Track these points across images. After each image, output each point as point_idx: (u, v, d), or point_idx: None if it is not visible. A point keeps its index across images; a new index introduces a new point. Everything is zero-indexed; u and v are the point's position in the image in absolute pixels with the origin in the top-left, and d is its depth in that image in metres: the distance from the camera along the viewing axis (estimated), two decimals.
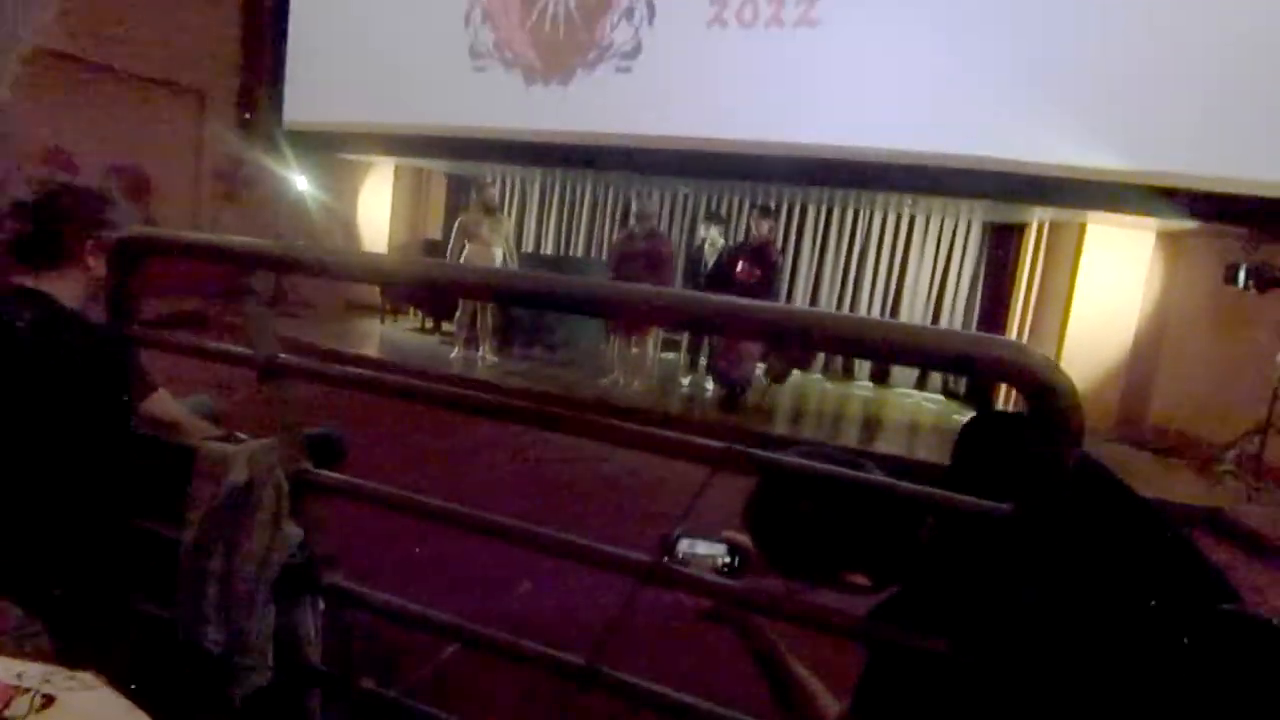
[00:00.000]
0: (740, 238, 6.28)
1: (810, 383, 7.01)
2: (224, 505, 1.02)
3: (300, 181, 7.64)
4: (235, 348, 1.17)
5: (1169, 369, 5.66)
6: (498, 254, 5.77)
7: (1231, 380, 5.02)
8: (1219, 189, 4.71)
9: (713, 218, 5.88)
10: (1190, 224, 5.10)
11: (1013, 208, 5.99)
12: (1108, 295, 5.79)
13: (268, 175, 7.66)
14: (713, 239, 5.62)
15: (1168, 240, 5.74)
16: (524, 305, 5.20)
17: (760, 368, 5.83)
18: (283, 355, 1.11)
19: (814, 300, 7.38)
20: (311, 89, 7.46)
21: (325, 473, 1.09)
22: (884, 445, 4.81)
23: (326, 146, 7.56)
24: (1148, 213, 5.00)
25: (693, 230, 7.79)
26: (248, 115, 7.89)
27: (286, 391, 1.12)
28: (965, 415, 6.07)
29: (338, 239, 7.98)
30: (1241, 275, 4.67)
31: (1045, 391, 0.78)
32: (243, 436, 1.37)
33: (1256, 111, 4.61)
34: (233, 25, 7.72)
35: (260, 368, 1.08)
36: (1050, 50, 5.01)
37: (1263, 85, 4.58)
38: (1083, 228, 5.85)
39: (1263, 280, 4.61)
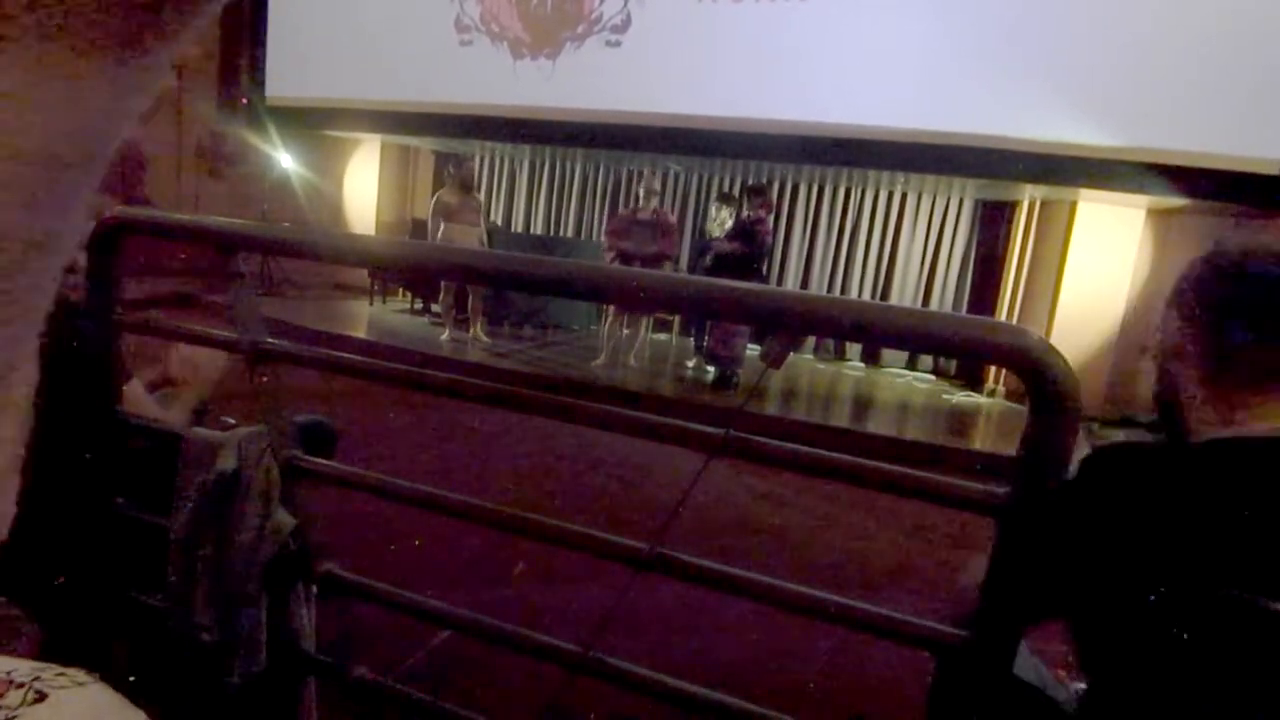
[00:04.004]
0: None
1: (802, 363, 7.03)
2: (213, 494, 1.00)
3: (285, 159, 7.51)
4: (221, 332, 1.15)
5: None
6: (476, 233, 5.69)
7: None
8: (1209, 165, 4.71)
9: (725, 198, 5.82)
10: (1180, 201, 5.11)
11: (1004, 186, 5.98)
12: (1097, 274, 5.80)
13: (251, 152, 7.52)
14: (723, 220, 5.55)
15: (1157, 218, 5.75)
16: (513, 288, 5.16)
17: (755, 350, 5.82)
18: (270, 340, 1.09)
19: (806, 279, 7.36)
20: (294, 63, 7.30)
21: (317, 460, 1.08)
22: (873, 425, 4.84)
23: (311, 123, 7.42)
24: (1138, 190, 5.00)
25: (684, 208, 7.74)
26: (229, 90, 7.72)
27: (275, 377, 1.10)
28: (955, 394, 6.12)
29: (324, 217, 7.87)
30: None
31: (1043, 375, 0.78)
32: (231, 421, 1.35)
33: (1246, 87, 4.60)
34: None
35: (246, 353, 1.06)
36: (1041, 26, 4.97)
37: (1252, 61, 4.57)
38: (1073, 206, 5.85)
39: None
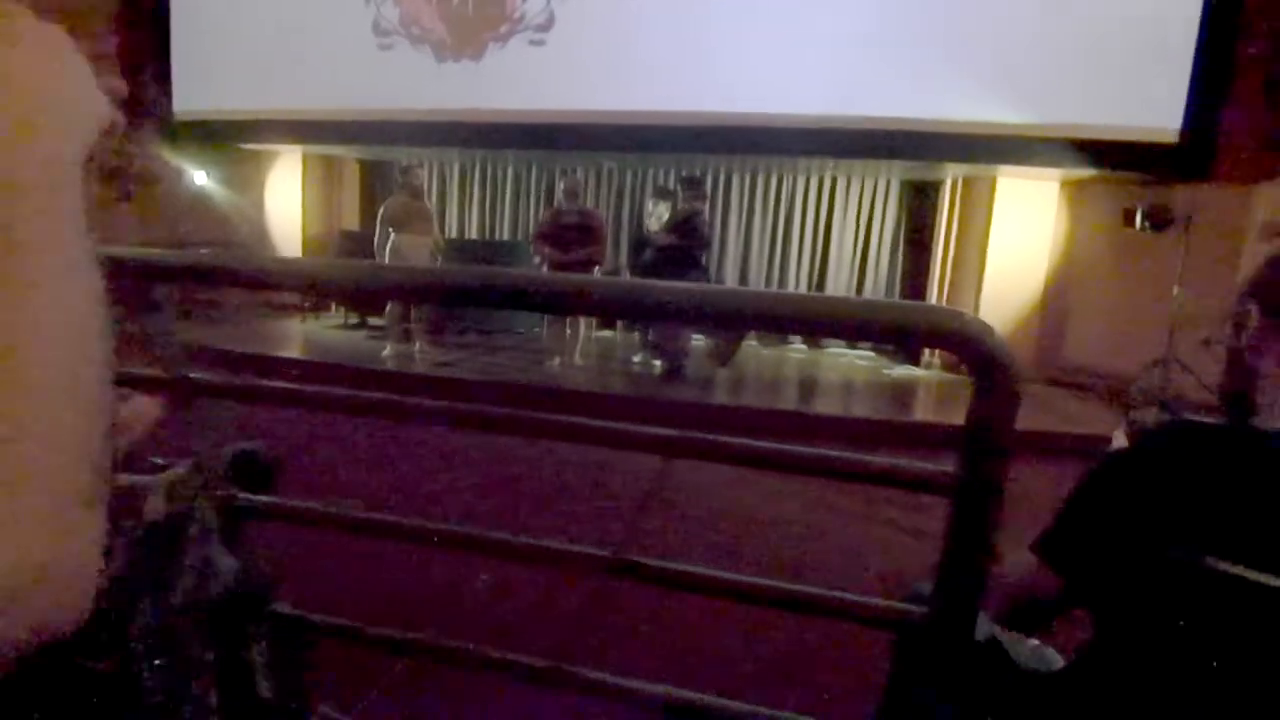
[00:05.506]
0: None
1: (746, 349, 7.11)
2: (145, 545, 0.94)
3: (200, 176, 7.15)
4: (140, 371, 1.07)
5: (1078, 310, 6.01)
6: (426, 243, 5.52)
7: (1135, 316, 5.37)
8: (1114, 137, 4.99)
9: (661, 193, 5.79)
10: (1090, 172, 5.39)
11: (928, 166, 6.18)
12: (1019, 244, 6.07)
13: (162, 171, 7.13)
14: (660, 214, 5.54)
15: (1071, 189, 6.04)
16: (470, 304, 5.07)
17: (699, 341, 5.86)
18: (194, 374, 1.03)
19: (744, 269, 7.45)
20: (203, 75, 6.95)
21: (256, 497, 1.03)
22: (821, 406, 4.94)
23: (224, 136, 7.09)
24: (1051, 164, 5.26)
25: (620, 204, 7.72)
26: (134, 106, 7.30)
27: (203, 412, 1.04)
28: (894, 369, 6.32)
29: (246, 235, 7.53)
30: (1139, 217, 4.98)
31: (985, 355, 0.80)
32: (160, 463, 1.27)
33: (1145, 62, 4.89)
34: (107, 2, 7.07)
35: (170, 390, 1.00)
36: (947, 9, 5.17)
37: (1150, 37, 4.85)
38: (994, 182, 6.10)
39: (1158, 220, 4.93)
